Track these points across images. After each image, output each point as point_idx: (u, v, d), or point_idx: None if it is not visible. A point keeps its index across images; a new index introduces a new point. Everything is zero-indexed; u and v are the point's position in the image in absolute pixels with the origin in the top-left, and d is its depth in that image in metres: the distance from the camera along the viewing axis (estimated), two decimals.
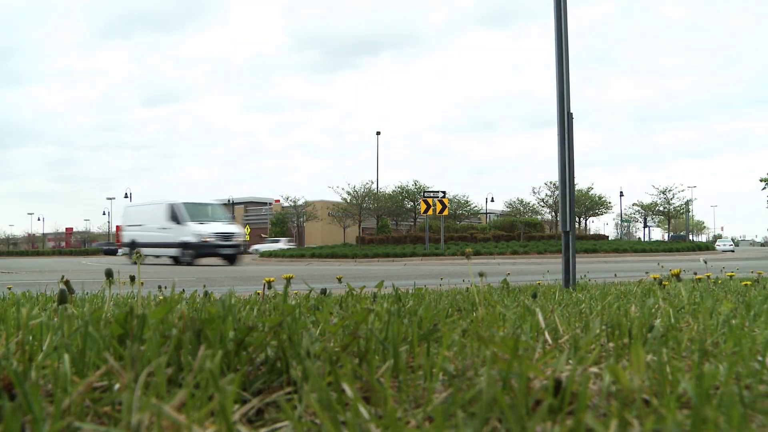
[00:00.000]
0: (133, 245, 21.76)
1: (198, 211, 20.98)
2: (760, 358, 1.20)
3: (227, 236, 20.31)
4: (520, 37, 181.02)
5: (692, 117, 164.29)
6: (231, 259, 20.44)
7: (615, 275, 7.46)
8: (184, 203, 21.02)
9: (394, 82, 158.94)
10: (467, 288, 3.66)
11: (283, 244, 46.15)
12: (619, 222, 59.81)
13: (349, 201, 42.80)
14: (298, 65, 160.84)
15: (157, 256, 21.48)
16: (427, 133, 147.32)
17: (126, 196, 60.54)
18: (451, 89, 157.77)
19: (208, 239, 19.71)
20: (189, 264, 19.28)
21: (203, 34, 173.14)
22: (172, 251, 20.43)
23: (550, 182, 46.41)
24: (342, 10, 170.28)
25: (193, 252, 19.64)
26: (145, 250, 20.52)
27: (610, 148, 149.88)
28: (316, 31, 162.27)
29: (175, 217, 20.55)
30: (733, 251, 45.83)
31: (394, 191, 45.88)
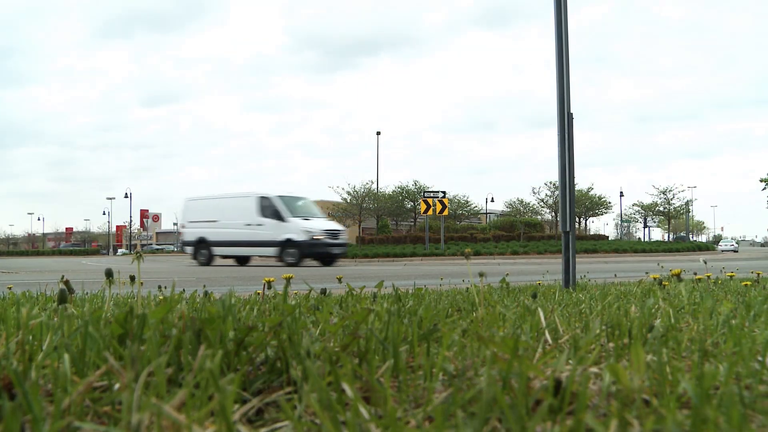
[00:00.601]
0: (203, 243, 18.79)
1: (295, 206, 18.42)
2: (760, 359, 1.20)
3: (335, 234, 18.00)
4: (519, 38, 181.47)
5: (692, 117, 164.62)
6: (331, 260, 18.00)
7: (615, 275, 7.46)
8: (281, 196, 18.31)
9: (394, 82, 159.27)
10: (467, 288, 3.66)
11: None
12: (619, 222, 59.85)
13: (349, 201, 42.79)
14: (298, 65, 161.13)
15: (238, 257, 18.89)
16: (427, 133, 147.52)
17: (126, 196, 60.53)
18: (451, 89, 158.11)
19: (319, 237, 17.30)
20: (293, 265, 16.77)
21: (203, 34, 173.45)
22: (269, 251, 17.72)
23: (550, 182, 46.43)
24: (341, 11, 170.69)
25: (300, 251, 17.16)
26: (220, 250, 18.50)
27: (609, 148, 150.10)
28: (315, 32, 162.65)
29: (272, 212, 17.90)
30: (736, 251, 45.58)
31: (394, 191, 45.89)
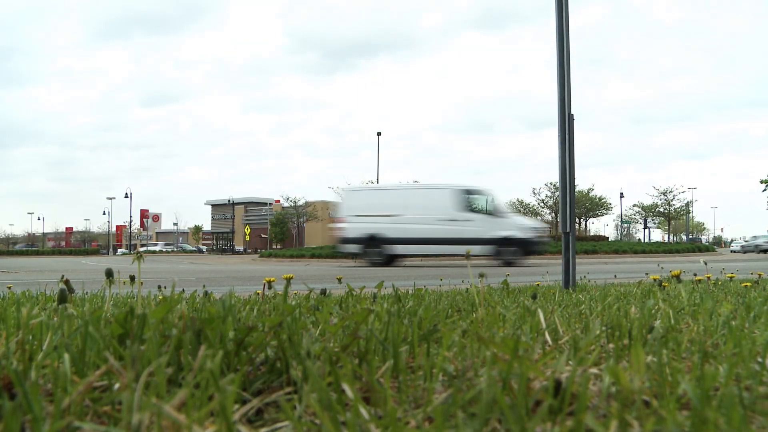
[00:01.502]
0: (375, 241, 16.36)
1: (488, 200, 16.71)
2: (760, 360, 1.20)
3: (538, 230, 16.80)
4: (515, 40, 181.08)
5: (690, 118, 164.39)
6: (529, 256, 16.40)
7: (615, 276, 7.46)
8: (479, 189, 16.55)
9: (393, 82, 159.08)
10: (467, 289, 3.66)
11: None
12: (620, 223, 59.91)
13: None
14: (297, 66, 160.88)
15: (427, 256, 17.23)
16: (426, 133, 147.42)
17: (126, 196, 60.63)
18: (450, 90, 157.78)
19: (539, 234, 16.27)
20: (509, 264, 15.12)
21: (202, 35, 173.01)
22: (479, 249, 15.46)
23: (551, 183, 46.45)
24: (339, 13, 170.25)
25: (522, 249, 15.69)
26: (403, 248, 16.41)
27: (608, 149, 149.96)
28: (314, 33, 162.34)
29: (482, 207, 16.27)
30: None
31: None
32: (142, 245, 66.50)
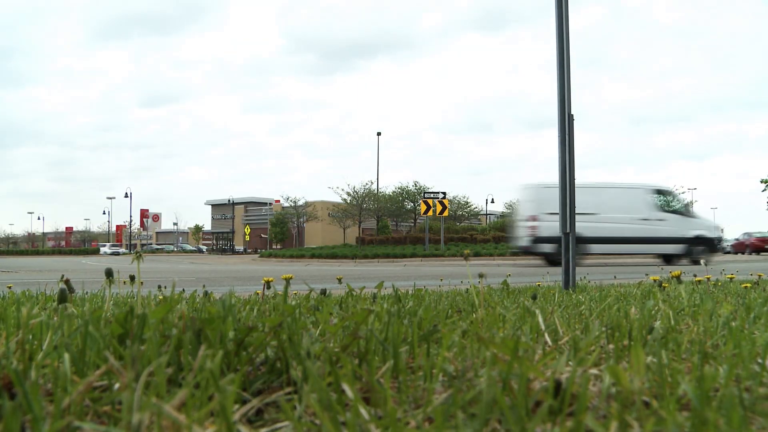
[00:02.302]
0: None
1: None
2: (759, 361, 1.20)
3: (719, 230, 17.13)
4: (513, 41, 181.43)
5: (690, 118, 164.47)
6: (701, 256, 16.06)
7: (615, 277, 7.46)
8: (671, 189, 16.80)
9: (393, 83, 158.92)
10: (467, 289, 3.66)
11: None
12: None
13: (349, 201, 42.82)
14: (297, 66, 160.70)
15: (621, 255, 17.08)
16: (426, 134, 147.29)
17: (126, 196, 60.62)
18: (450, 90, 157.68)
19: (720, 234, 16.60)
20: (696, 263, 15.44)
21: (202, 36, 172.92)
22: (671, 248, 16.08)
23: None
24: (337, 14, 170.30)
25: (708, 248, 15.97)
26: (598, 247, 16.22)
27: (607, 150, 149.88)
28: (312, 34, 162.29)
29: (674, 207, 16.51)
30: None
31: (394, 192, 45.91)
32: (143, 245, 66.57)
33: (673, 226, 16.14)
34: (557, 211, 13.03)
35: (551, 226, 15.49)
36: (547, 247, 16.23)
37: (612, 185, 16.99)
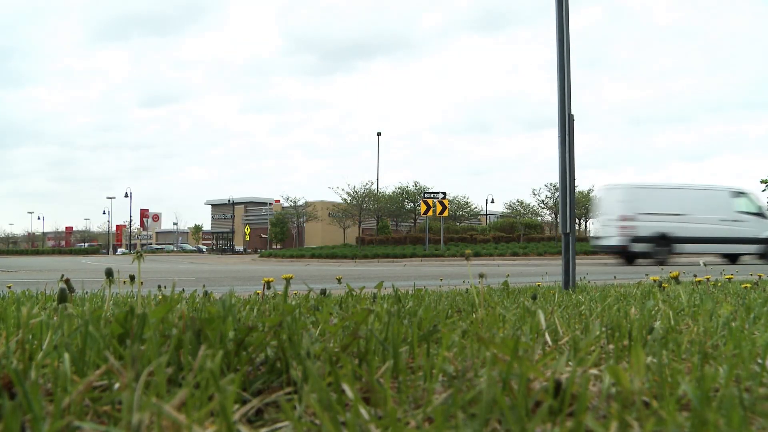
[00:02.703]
0: (665, 240, 16.48)
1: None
2: (759, 361, 1.20)
3: None
4: (513, 41, 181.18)
5: (689, 119, 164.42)
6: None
7: (615, 277, 7.46)
8: (750, 192, 17.63)
9: (393, 83, 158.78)
10: (467, 289, 3.66)
11: None
12: None
13: (349, 201, 42.82)
14: (297, 67, 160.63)
15: (704, 255, 17.11)
16: (426, 134, 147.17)
17: (126, 196, 60.65)
18: (450, 91, 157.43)
19: None
20: None
21: (202, 35, 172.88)
22: (749, 248, 16.90)
23: (551, 184, 46.42)
24: (336, 15, 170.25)
25: None
26: (689, 247, 16.64)
27: (607, 150, 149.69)
28: (311, 35, 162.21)
29: (753, 209, 17.27)
30: None
31: (394, 192, 45.91)
32: (143, 245, 66.58)
33: (752, 227, 16.89)
34: (654, 211, 13.70)
35: (648, 226, 16.54)
36: (643, 246, 16.64)
37: (697, 187, 17.54)
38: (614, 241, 17.05)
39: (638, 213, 16.59)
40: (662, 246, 16.57)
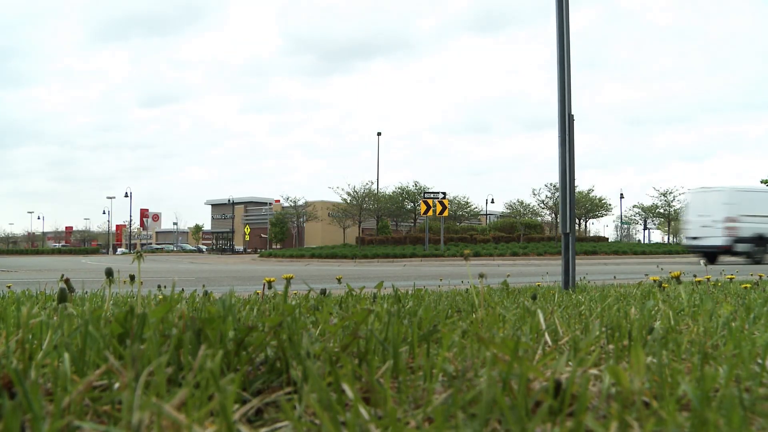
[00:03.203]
0: (763, 240, 17.87)
1: None
2: (759, 361, 1.20)
3: None
4: (512, 42, 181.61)
5: (688, 120, 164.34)
6: None
7: (615, 277, 7.46)
8: None
9: (392, 83, 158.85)
10: (467, 289, 3.66)
11: None
12: (619, 224, 59.86)
13: (349, 201, 42.80)
14: (296, 67, 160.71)
15: None
16: (426, 134, 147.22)
17: (126, 196, 60.67)
18: (449, 91, 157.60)
19: None
20: None
21: (201, 36, 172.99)
22: None
23: (551, 184, 46.40)
24: (335, 16, 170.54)
25: None
26: None
27: (606, 150, 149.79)
28: (311, 36, 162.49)
29: None
30: None
31: (394, 192, 45.86)
32: (143, 244, 66.61)
33: None
34: (756, 213, 15.76)
35: (748, 228, 17.96)
36: (744, 246, 17.92)
37: None
38: (718, 242, 18.13)
39: (741, 215, 17.88)
40: (760, 246, 17.95)
